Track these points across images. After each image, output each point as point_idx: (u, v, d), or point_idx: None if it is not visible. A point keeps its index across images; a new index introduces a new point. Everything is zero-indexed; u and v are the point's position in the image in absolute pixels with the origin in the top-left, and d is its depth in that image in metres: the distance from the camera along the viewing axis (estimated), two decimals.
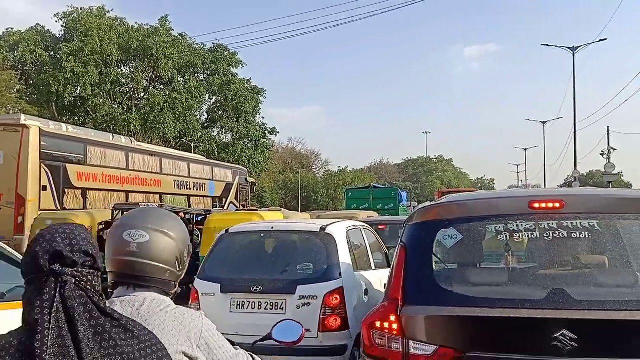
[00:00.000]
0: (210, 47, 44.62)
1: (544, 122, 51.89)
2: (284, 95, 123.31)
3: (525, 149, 66.25)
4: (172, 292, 1.69)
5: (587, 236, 2.62)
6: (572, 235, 2.63)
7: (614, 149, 32.81)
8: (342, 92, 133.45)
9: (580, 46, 32.89)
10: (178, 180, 18.45)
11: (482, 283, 2.83)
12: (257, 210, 29.77)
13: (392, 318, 2.71)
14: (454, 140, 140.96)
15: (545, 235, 2.65)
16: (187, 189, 18.95)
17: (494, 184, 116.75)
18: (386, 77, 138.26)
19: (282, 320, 2.15)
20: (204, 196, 20.18)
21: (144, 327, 1.31)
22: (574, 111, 33.24)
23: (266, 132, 48.54)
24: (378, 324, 2.77)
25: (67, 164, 13.70)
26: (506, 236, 2.77)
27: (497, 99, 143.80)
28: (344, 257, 5.16)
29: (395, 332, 2.69)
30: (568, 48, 32.96)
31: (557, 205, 2.67)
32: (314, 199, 65.38)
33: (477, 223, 2.82)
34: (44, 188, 12.75)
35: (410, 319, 2.67)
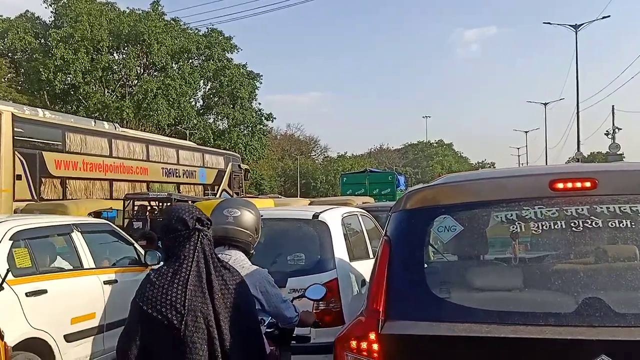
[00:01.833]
0: (205, 32, 43.69)
1: (545, 104, 51.11)
2: (282, 81, 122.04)
3: (526, 132, 65.52)
4: (251, 252, 2.84)
5: (629, 226, 1.95)
6: (609, 224, 1.95)
7: (619, 129, 32.03)
8: (341, 77, 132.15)
9: (582, 24, 32.03)
10: (166, 168, 17.68)
11: (490, 288, 2.16)
12: (255, 197, 29.34)
13: (372, 336, 2.06)
14: (454, 125, 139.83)
15: (572, 224, 1.97)
16: (176, 176, 18.22)
17: (494, 167, 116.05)
18: (386, 62, 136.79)
19: (312, 285, 3.24)
20: (194, 184, 19.47)
21: (237, 270, 2.27)
22: (576, 91, 32.48)
23: (263, 118, 47.70)
24: (354, 343, 2.12)
25: (43, 152, 12.90)
26: (520, 227, 2.07)
27: (497, 81, 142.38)
28: (339, 246, 4.81)
29: (375, 356, 2.04)
30: (570, 26, 32.10)
31: (588, 184, 1.99)
32: (313, 186, 64.77)
33: (482, 210, 2.14)
34: (19, 177, 11.98)
35: (395, 339, 2.01)
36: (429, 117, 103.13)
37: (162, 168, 17.55)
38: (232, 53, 45.16)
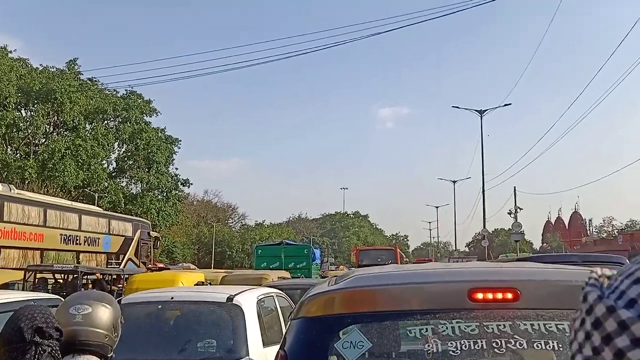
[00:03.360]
0: (123, 94, 42.69)
1: (454, 181, 53.82)
2: (203, 147, 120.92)
3: (437, 207, 68.35)
4: (109, 355, 2.26)
5: (556, 348, 1.72)
6: (535, 345, 1.72)
7: (521, 209, 34.11)
8: (261, 145, 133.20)
9: (487, 110, 34.63)
10: (65, 234, 16.30)
11: None
12: (167, 267, 27.93)
13: None
14: (371, 197, 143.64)
15: (494, 345, 1.72)
16: (76, 243, 16.81)
17: (407, 240, 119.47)
18: (308, 131, 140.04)
19: None
20: (97, 252, 18.06)
21: None
22: (482, 172, 34.51)
23: (179, 183, 46.43)
24: None
25: None
26: (437, 346, 1.80)
27: (411, 157, 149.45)
28: (253, 331, 4.61)
29: None
30: (476, 111, 34.58)
31: (510, 295, 1.76)
32: (228, 255, 62.96)
33: (394, 322, 1.85)
34: None
35: None
36: (347, 188, 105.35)
37: (61, 234, 16.14)
38: (150, 116, 44.33)
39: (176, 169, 46.42)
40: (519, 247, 33.90)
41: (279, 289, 8.80)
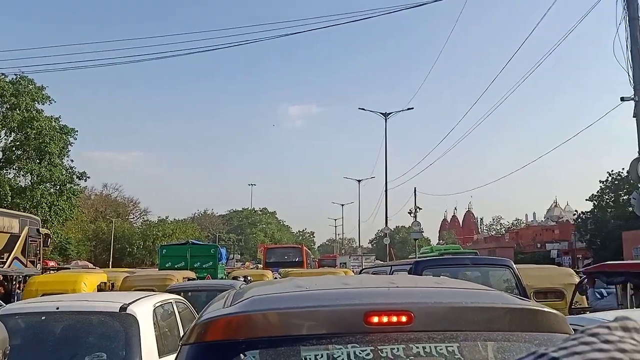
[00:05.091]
0: (12, 79, 39.24)
1: (359, 180, 55.25)
2: (103, 138, 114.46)
3: (343, 205, 69.84)
4: None
5: None
6: None
7: (420, 208, 35.75)
8: (166, 139, 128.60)
9: (391, 113, 35.87)
10: None
11: None
12: (64, 267, 26.03)
13: None
14: (279, 194, 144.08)
15: None
16: None
17: (314, 236, 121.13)
18: (215, 127, 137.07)
19: None
20: None
21: None
22: (385, 172, 35.75)
23: (74, 176, 43.54)
24: None
25: None
26: None
27: (319, 155, 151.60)
28: (148, 342, 4.41)
29: None
30: (381, 114, 35.71)
31: (404, 319, 1.79)
32: (129, 252, 60.20)
33: (290, 348, 1.81)
34: None
35: None
36: (255, 185, 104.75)
37: None
38: (43, 104, 41.11)
39: (72, 161, 43.52)
40: (417, 244, 35.51)
41: (184, 291, 8.59)
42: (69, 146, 42.58)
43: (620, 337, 0.49)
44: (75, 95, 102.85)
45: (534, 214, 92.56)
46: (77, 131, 43.17)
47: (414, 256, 31.40)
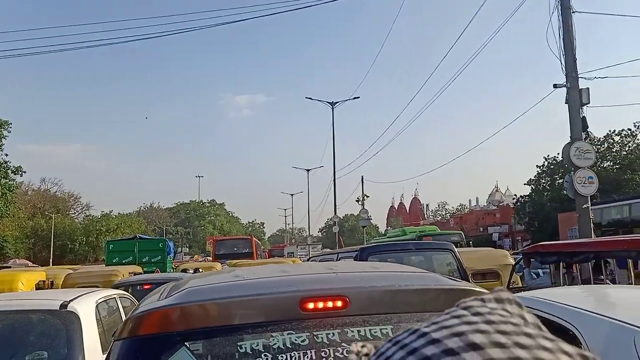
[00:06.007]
0: None
1: (308, 170, 55.29)
2: (40, 131, 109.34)
3: (292, 194, 69.76)
4: None
5: None
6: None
7: (367, 196, 36.19)
8: (108, 131, 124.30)
9: (337, 102, 36.05)
10: None
11: None
12: (4, 266, 24.74)
13: None
14: (227, 185, 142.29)
15: (323, 354, 1.76)
16: None
17: (264, 227, 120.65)
18: (157, 120, 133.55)
19: None
20: None
21: None
22: (333, 161, 35.98)
23: (9, 171, 41.47)
24: None
25: None
26: (266, 359, 1.79)
27: (267, 145, 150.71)
28: (91, 339, 4.33)
29: None
30: (328, 102, 35.82)
31: (339, 304, 1.82)
32: (70, 248, 58.05)
33: (226, 338, 1.80)
34: None
35: None
36: (202, 176, 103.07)
37: None
38: None
39: (6, 155, 41.41)
40: (365, 231, 36.00)
41: (132, 286, 8.37)
42: (2, 139, 40.51)
43: (491, 309, 0.50)
44: (7, 86, 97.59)
45: (477, 199, 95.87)
46: (10, 123, 41.10)
47: (363, 243, 31.85)
